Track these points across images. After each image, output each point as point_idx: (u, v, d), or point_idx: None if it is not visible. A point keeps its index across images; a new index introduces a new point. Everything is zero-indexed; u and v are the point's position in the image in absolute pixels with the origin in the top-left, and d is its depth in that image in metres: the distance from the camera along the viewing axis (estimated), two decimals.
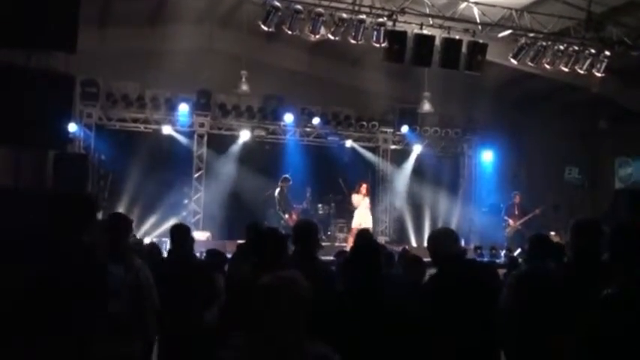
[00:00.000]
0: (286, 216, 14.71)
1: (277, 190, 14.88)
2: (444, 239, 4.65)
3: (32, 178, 12.06)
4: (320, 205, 15.77)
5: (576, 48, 12.77)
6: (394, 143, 17.58)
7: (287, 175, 15.10)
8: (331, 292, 4.40)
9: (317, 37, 11.84)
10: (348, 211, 15.36)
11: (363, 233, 7.07)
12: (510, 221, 15.38)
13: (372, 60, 14.07)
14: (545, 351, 4.26)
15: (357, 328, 3.89)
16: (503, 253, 14.10)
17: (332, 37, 11.86)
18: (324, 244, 13.05)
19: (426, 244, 5.17)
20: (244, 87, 14.95)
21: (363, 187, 14.77)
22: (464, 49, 12.48)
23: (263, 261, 4.37)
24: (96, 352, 3.86)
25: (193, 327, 5.59)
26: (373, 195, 16.30)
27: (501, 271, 8.11)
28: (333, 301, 4.17)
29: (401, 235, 16.92)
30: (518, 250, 12.74)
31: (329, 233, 15.62)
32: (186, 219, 15.25)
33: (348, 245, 13.12)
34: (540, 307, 4.40)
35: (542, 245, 5.20)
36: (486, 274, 4.80)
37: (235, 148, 16.23)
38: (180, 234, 6.32)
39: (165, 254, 7.58)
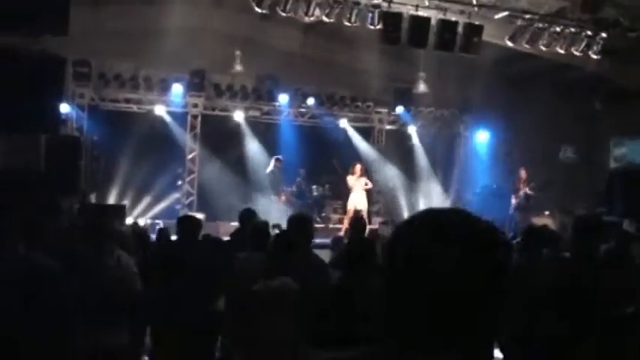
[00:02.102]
0: (277, 197, 14.77)
1: (269, 170, 14.91)
2: None
3: (25, 162, 11.96)
4: (314, 187, 15.73)
5: (572, 30, 12.67)
6: (389, 124, 17.51)
7: (279, 157, 15.10)
8: (324, 286, 4.39)
9: (311, 19, 11.72)
10: (342, 192, 15.32)
11: (357, 222, 7.03)
12: (513, 200, 15.22)
13: (367, 39, 13.92)
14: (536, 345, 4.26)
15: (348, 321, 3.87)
16: None
17: (326, 20, 11.73)
18: (318, 225, 13.09)
19: None
20: (238, 67, 14.84)
21: (357, 168, 14.69)
22: (459, 30, 12.38)
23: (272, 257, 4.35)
24: (77, 344, 3.81)
25: (201, 317, 5.48)
26: (367, 176, 16.25)
27: None
28: (326, 294, 4.15)
29: (395, 217, 16.89)
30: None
31: (323, 214, 15.60)
32: (180, 200, 15.28)
33: (343, 227, 13.14)
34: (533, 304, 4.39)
35: (537, 237, 5.19)
36: None
37: (229, 129, 16.14)
38: (191, 226, 6.18)
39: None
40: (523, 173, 15.44)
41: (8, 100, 8.33)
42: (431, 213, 1.38)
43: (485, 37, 12.79)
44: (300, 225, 4.90)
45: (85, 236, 4.99)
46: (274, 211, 13.67)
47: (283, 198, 14.73)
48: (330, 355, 1.50)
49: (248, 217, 6.51)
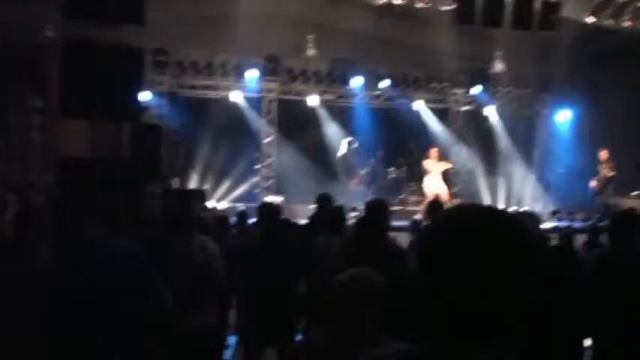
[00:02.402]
0: (350, 180, 14.83)
1: (341, 153, 14.95)
2: None
3: (109, 150, 12.36)
4: (391, 169, 15.63)
5: None
6: (466, 104, 17.20)
7: (351, 138, 15.11)
8: (402, 272, 4.38)
9: (383, 1, 11.61)
10: (419, 174, 15.14)
11: (435, 205, 6.95)
12: (593, 182, 14.65)
13: (442, 19, 13.70)
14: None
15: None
16: (580, 217, 13.72)
17: (399, 1, 11.60)
18: (395, 208, 13.04)
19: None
20: (312, 51, 14.87)
21: (434, 151, 14.48)
22: (537, 7, 12.01)
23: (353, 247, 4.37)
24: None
25: (282, 300, 5.52)
26: (445, 158, 15.99)
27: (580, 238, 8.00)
28: (405, 282, 4.14)
29: (474, 199, 16.59)
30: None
31: (400, 197, 15.47)
32: (259, 184, 15.51)
33: (421, 210, 13.02)
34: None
35: (625, 221, 4.96)
36: None
37: (304, 113, 16.24)
38: (271, 211, 6.25)
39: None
40: (604, 154, 14.81)
41: (92, 89, 8.64)
42: (457, 210, 1.41)
43: (565, 13, 12.36)
44: (379, 210, 4.89)
45: (168, 222, 5.12)
46: (350, 194, 13.70)
47: (357, 180, 14.74)
48: (388, 350, 1.52)
49: (325, 200, 6.55)
